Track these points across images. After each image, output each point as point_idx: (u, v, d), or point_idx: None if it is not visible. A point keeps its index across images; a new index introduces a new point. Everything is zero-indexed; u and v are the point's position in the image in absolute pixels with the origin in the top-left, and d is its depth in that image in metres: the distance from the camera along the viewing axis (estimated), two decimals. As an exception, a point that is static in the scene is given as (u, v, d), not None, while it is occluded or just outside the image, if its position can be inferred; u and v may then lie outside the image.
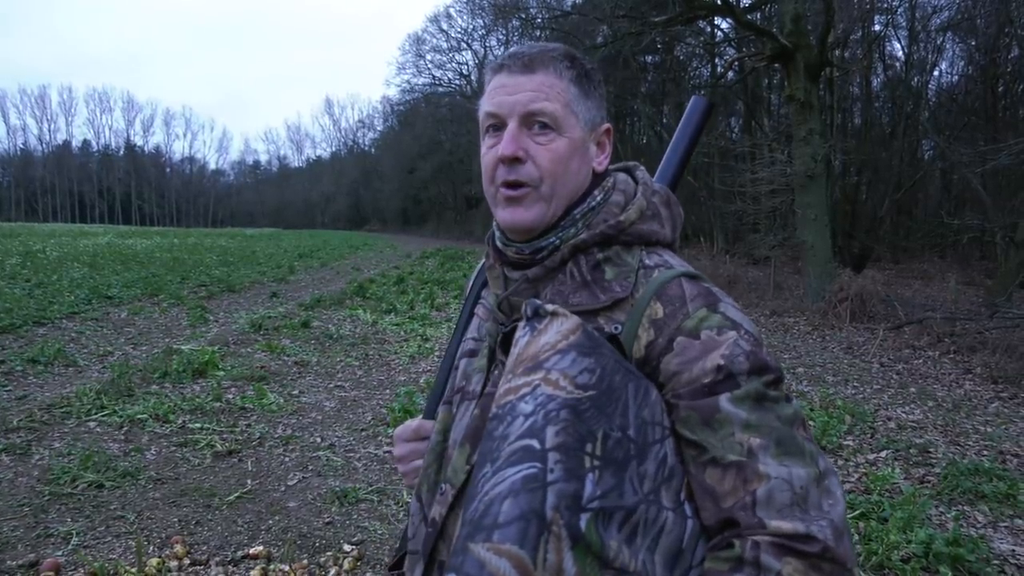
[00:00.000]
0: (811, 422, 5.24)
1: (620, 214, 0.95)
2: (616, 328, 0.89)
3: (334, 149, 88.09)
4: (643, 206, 0.96)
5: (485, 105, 0.97)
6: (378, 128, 73.49)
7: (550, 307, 0.87)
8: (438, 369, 1.13)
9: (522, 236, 0.96)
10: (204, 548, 3.11)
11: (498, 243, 1.01)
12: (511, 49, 0.98)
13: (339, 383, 6.16)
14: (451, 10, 45.07)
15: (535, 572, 0.73)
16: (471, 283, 1.16)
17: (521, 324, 0.88)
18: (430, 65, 48.24)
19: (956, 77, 22.67)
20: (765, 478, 0.79)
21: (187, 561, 2.97)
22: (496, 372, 0.98)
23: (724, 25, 21.45)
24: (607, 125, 1.00)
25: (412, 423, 1.13)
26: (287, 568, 2.94)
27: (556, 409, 0.80)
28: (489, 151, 0.96)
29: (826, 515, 0.78)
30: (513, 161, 0.93)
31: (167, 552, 3.03)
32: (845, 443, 4.86)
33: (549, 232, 0.96)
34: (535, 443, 0.78)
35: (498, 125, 0.95)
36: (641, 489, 0.80)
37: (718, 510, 0.81)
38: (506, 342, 0.94)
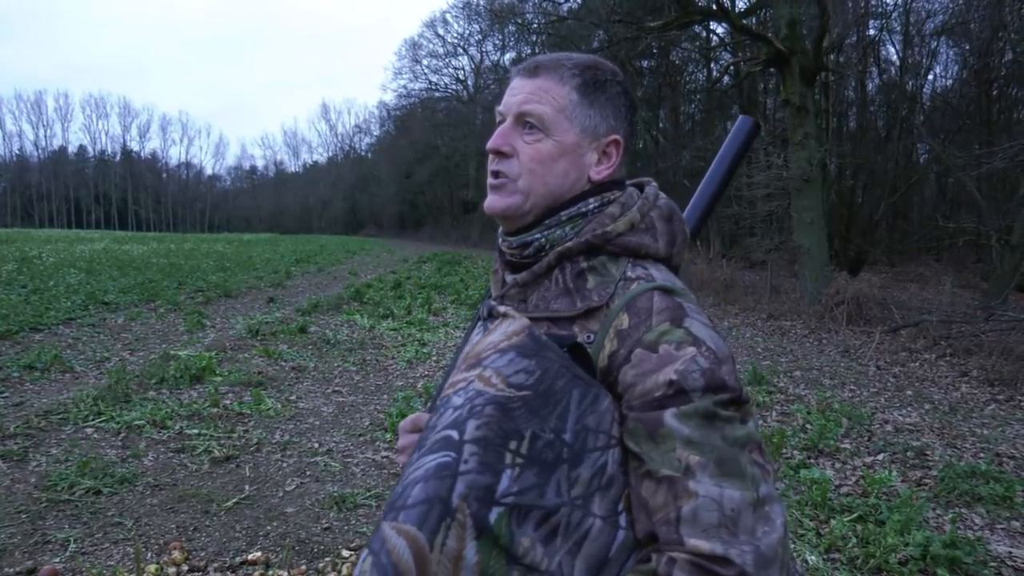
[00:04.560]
0: (808, 425, 5.25)
1: (609, 224, 0.96)
2: (588, 337, 0.90)
3: (331, 154, 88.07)
4: (635, 219, 0.97)
5: (499, 104, 1.04)
6: (375, 133, 73.64)
7: (502, 308, 0.91)
8: (447, 368, 1.16)
9: (503, 223, 1.02)
10: (202, 554, 3.11)
11: (499, 239, 1.06)
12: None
13: (337, 388, 6.15)
14: (447, 15, 45.36)
15: (431, 554, 0.75)
16: (489, 288, 1.21)
17: (479, 323, 0.93)
18: (427, 70, 48.42)
19: (950, 81, 22.78)
20: (694, 496, 0.77)
21: (185, 567, 2.97)
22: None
23: (720, 30, 21.56)
24: (614, 137, 1.01)
25: (413, 416, 1.16)
26: (285, 574, 2.94)
27: (482, 404, 0.82)
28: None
29: (754, 541, 0.76)
30: (499, 154, 0.99)
31: (165, 558, 3.02)
32: (842, 446, 4.87)
33: (534, 228, 0.99)
34: (455, 434, 0.81)
35: (502, 122, 1.01)
36: (568, 493, 0.80)
37: (648, 523, 0.81)
38: None
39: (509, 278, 1.02)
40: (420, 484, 0.79)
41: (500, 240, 1.05)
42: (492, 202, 1.00)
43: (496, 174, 0.99)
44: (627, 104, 1.02)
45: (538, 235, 0.98)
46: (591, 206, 0.99)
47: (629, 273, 0.94)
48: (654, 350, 0.85)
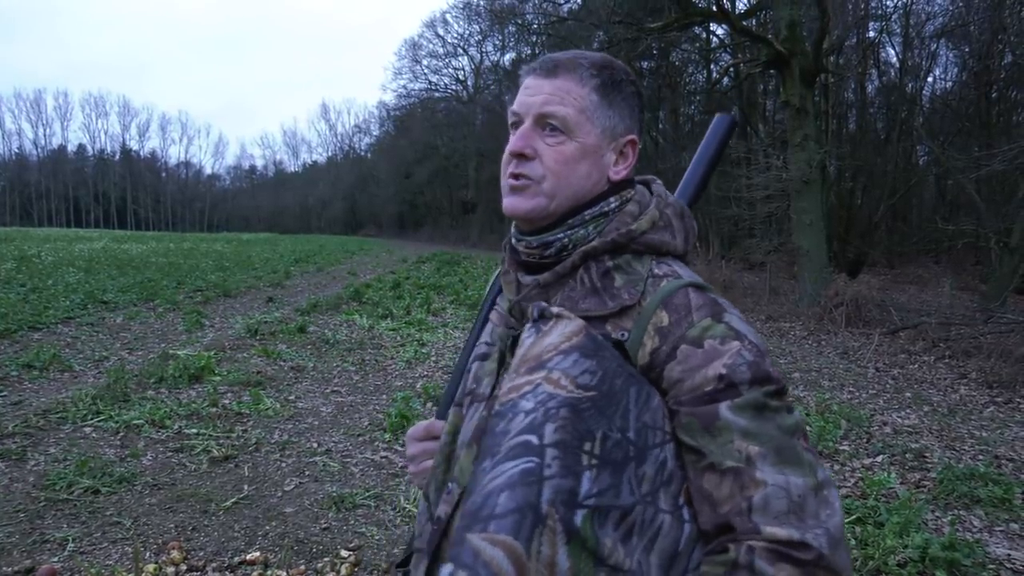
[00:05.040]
0: (807, 427, 5.25)
1: (632, 223, 0.97)
2: (623, 335, 0.91)
3: (330, 154, 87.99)
4: (655, 216, 0.98)
5: (512, 104, 1.02)
6: (374, 133, 73.60)
7: (555, 309, 0.90)
8: (452, 372, 1.15)
9: (526, 225, 1.00)
10: (201, 554, 3.11)
11: (512, 239, 1.05)
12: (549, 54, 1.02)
13: (336, 388, 6.15)
14: (448, 16, 45.35)
15: (528, 563, 0.74)
16: (488, 289, 1.20)
17: (527, 326, 0.91)
18: (426, 70, 48.42)
19: (950, 83, 22.78)
20: (762, 484, 0.80)
21: (184, 567, 2.97)
22: (505, 375, 0.99)
23: (720, 31, 21.58)
24: (631, 137, 1.01)
25: (424, 423, 1.15)
26: (284, 574, 2.94)
27: (556, 407, 0.81)
28: (506, 146, 1.01)
29: (822, 524, 0.78)
30: (520, 157, 0.97)
31: (164, 558, 3.02)
32: (841, 448, 4.87)
33: (557, 227, 0.98)
34: (534, 439, 0.80)
35: (518, 123, 1.00)
36: (639, 490, 0.82)
37: (715, 515, 0.82)
38: (515, 346, 0.95)
39: (528, 279, 1.01)
40: (506, 492, 0.78)
41: (514, 240, 1.04)
42: (515, 203, 0.98)
43: (517, 176, 0.98)
44: (640, 104, 1.03)
45: (560, 235, 0.98)
46: (612, 205, 0.99)
47: (656, 270, 0.96)
48: (699, 345, 0.87)
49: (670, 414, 0.87)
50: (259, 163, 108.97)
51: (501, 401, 0.86)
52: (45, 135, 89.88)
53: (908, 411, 6.03)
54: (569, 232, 0.98)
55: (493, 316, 1.12)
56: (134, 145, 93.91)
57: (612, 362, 0.86)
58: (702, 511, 0.84)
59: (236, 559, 3.06)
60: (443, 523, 0.96)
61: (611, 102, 0.99)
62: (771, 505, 0.79)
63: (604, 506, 0.79)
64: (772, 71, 13.76)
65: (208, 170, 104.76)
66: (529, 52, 28.98)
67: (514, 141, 0.98)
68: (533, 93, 0.98)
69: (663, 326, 0.89)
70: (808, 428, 5.20)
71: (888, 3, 20.02)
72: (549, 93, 0.97)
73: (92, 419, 4.77)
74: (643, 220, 0.97)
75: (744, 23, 14.48)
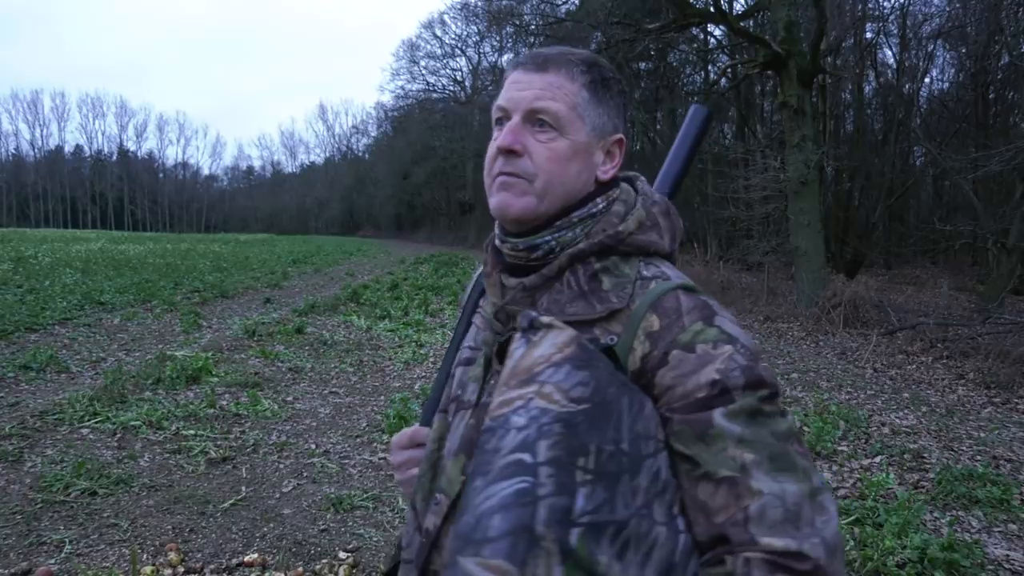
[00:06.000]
0: (806, 428, 5.25)
1: (619, 224, 0.94)
2: (612, 339, 0.89)
3: (328, 155, 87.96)
4: (642, 217, 0.96)
5: (498, 99, 0.98)
6: (372, 134, 73.60)
7: (546, 319, 0.87)
8: (435, 376, 1.12)
9: (513, 226, 0.96)
10: (198, 556, 3.10)
11: (496, 240, 1.01)
12: (536, 48, 0.99)
13: (333, 389, 6.14)
14: (445, 16, 45.24)
15: None
16: (468, 291, 1.16)
17: (516, 336, 0.88)
18: (424, 71, 48.41)
19: (947, 84, 22.86)
20: (758, 494, 0.78)
21: (181, 569, 2.96)
22: (492, 382, 0.97)
23: (717, 32, 21.61)
24: (619, 136, 0.99)
25: (408, 431, 1.12)
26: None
27: (549, 423, 0.79)
28: (492, 143, 0.97)
29: (819, 532, 0.77)
30: (509, 153, 0.93)
31: (161, 560, 3.01)
32: (839, 448, 4.87)
33: (544, 230, 0.95)
34: (527, 457, 0.78)
35: (504, 118, 0.96)
36: (633, 503, 0.80)
37: (710, 525, 0.80)
38: (502, 352, 0.92)
39: (512, 282, 0.98)
40: (500, 514, 0.75)
41: (498, 242, 1.01)
42: (505, 201, 0.94)
43: (507, 174, 0.94)
44: (626, 103, 1.01)
45: (548, 237, 0.95)
46: (599, 206, 0.96)
47: (644, 272, 0.93)
48: (691, 350, 0.84)
49: (662, 421, 0.85)
50: (257, 164, 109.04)
51: (492, 416, 0.83)
52: (42, 136, 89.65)
53: (906, 412, 6.04)
54: (557, 234, 0.95)
55: (476, 319, 1.09)
56: (131, 146, 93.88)
57: (604, 371, 0.83)
58: (697, 521, 0.81)
59: (234, 561, 3.06)
60: (432, 536, 0.94)
61: (600, 100, 0.96)
62: (767, 515, 0.77)
63: (599, 522, 0.77)
64: (770, 72, 13.76)
65: (205, 171, 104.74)
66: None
67: (503, 136, 0.94)
68: (523, 88, 0.94)
69: (654, 330, 0.87)
70: (805, 430, 5.20)
71: (885, 4, 20.08)
72: (540, 88, 0.93)
73: (89, 420, 4.76)
74: (630, 221, 0.94)
75: (742, 24, 14.49)
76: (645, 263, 0.94)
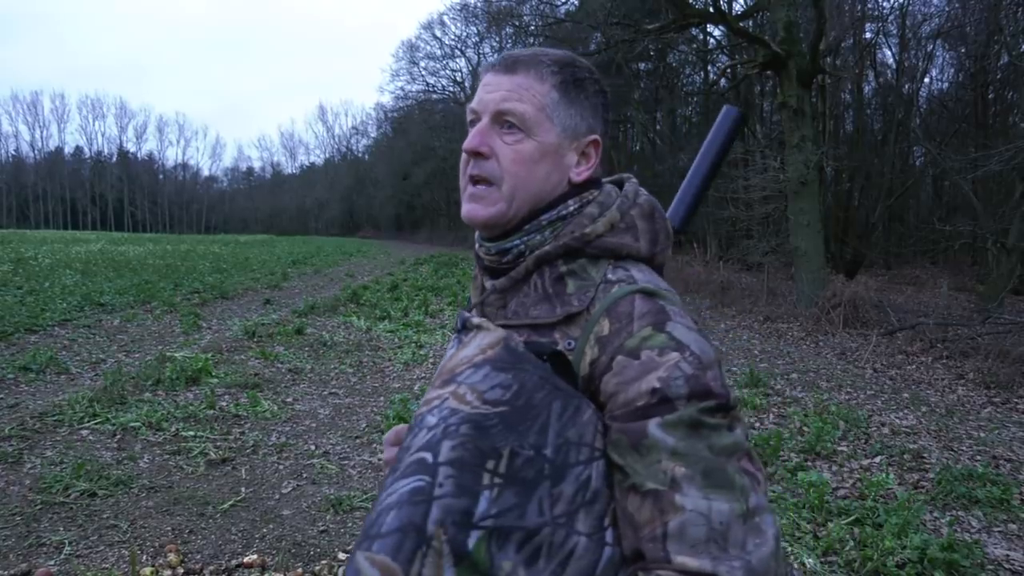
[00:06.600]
0: (805, 428, 5.25)
1: (588, 226, 0.93)
2: (569, 344, 0.87)
3: (328, 156, 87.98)
4: (615, 218, 0.93)
5: (471, 102, 0.98)
6: (372, 135, 73.63)
7: (476, 320, 0.87)
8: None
9: (485, 231, 0.97)
10: (198, 557, 3.10)
11: (476, 243, 1.02)
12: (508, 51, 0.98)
13: (333, 390, 6.14)
14: (445, 17, 45.25)
15: None
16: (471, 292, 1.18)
17: (452, 336, 0.89)
18: (424, 72, 48.42)
19: (946, 84, 22.87)
20: (680, 510, 0.74)
21: (181, 570, 2.95)
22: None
23: (717, 32, 21.63)
24: (594, 137, 0.97)
25: (399, 427, 1.12)
26: (282, 577, 2.93)
27: (457, 423, 0.78)
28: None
29: (745, 556, 0.73)
30: (477, 156, 0.93)
31: (161, 561, 3.01)
32: (839, 449, 4.87)
33: (513, 235, 0.95)
34: (429, 456, 0.78)
35: (476, 120, 0.96)
36: (551, 511, 0.77)
37: (635, 539, 0.77)
38: None
39: (488, 284, 0.98)
40: (394, 511, 0.76)
41: (477, 246, 1.01)
42: (473, 211, 0.94)
43: (476, 180, 0.94)
44: (604, 103, 0.99)
45: (517, 241, 0.94)
46: (571, 208, 0.95)
47: (610, 276, 0.90)
48: (636, 357, 0.81)
49: (605, 429, 0.82)
50: (256, 165, 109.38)
51: (416, 415, 0.84)
52: (42, 137, 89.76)
53: (906, 412, 6.04)
54: (526, 238, 0.94)
55: None
56: (131, 147, 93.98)
57: (533, 375, 0.81)
58: (625, 535, 0.78)
59: (233, 562, 3.05)
60: None
61: (572, 100, 0.94)
62: (687, 532, 0.74)
63: (504, 527, 0.74)
64: (769, 72, 13.77)
65: (205, 172, 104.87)
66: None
67: (469, 139, 0.94)
68: (491, 90, 0.94)
69: (603, 335, 0.85)
70: (805, 430, 5.20)
71: (885, 4, 20.11)
72: (507, 90, 0.92)
73: (89, 422, 4.75)
74: (600, 223, 0.92)
75: (741, 24, 14.49)
76: (614, 267, 0.92)
